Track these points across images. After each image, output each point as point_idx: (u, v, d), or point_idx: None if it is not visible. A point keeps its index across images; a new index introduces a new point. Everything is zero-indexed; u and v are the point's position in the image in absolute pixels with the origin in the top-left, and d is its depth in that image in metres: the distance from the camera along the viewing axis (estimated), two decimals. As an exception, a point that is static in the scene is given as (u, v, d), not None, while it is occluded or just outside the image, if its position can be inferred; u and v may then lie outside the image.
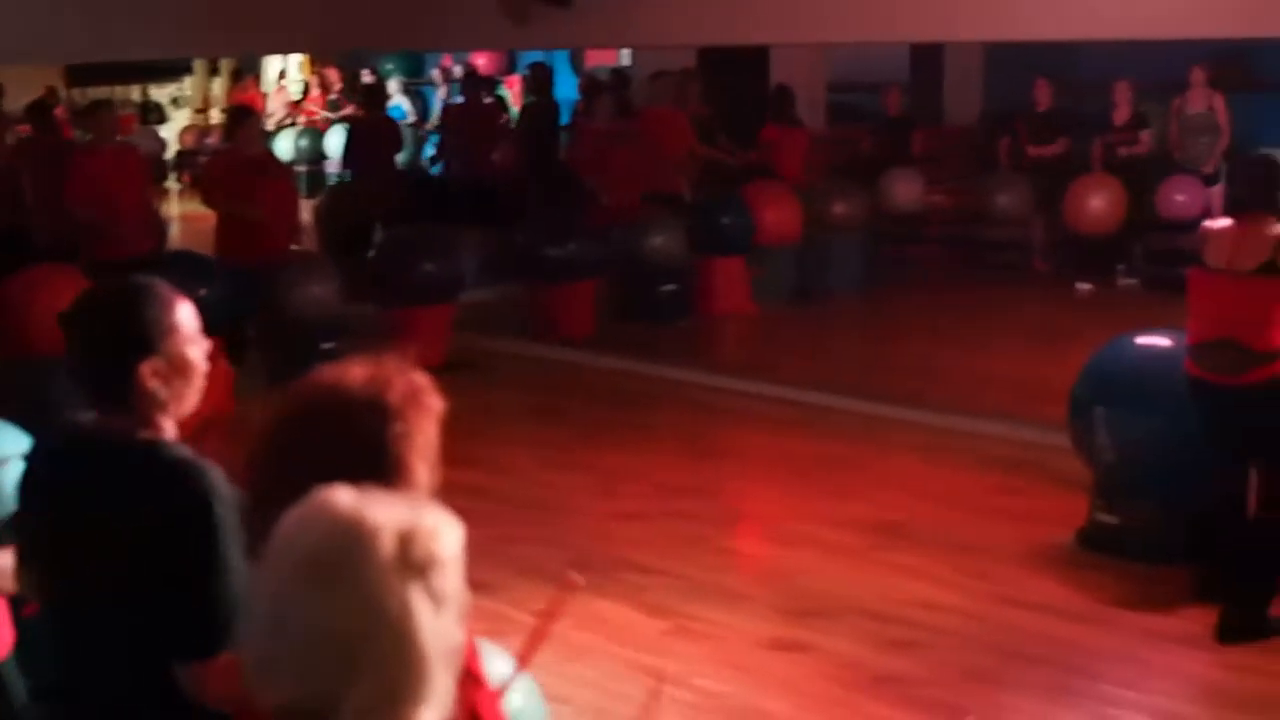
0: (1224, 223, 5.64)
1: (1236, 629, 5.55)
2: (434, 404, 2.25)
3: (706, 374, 10.06)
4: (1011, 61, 13.45)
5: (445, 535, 1.75)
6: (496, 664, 3.48)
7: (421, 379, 2.25)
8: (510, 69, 18.62)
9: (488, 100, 14.97)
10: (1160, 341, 6.45)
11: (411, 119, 18.34)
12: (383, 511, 1.71)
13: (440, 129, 15.99)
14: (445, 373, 2.55)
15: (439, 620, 1.70)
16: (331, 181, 16.79)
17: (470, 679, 2.23)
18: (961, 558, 6.48)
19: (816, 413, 9.01)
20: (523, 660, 2.70)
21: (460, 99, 14.97)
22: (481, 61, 17.92)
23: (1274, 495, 5.59)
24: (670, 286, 11.60)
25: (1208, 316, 5.55)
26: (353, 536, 1.68)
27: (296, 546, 1.71)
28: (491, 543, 6.69)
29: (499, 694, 2.45)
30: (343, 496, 1.73)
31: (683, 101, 12.44)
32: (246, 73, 21.24)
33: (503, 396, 9.88)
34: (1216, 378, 5.50)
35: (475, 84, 14.68)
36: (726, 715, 5.06)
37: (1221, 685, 5.24)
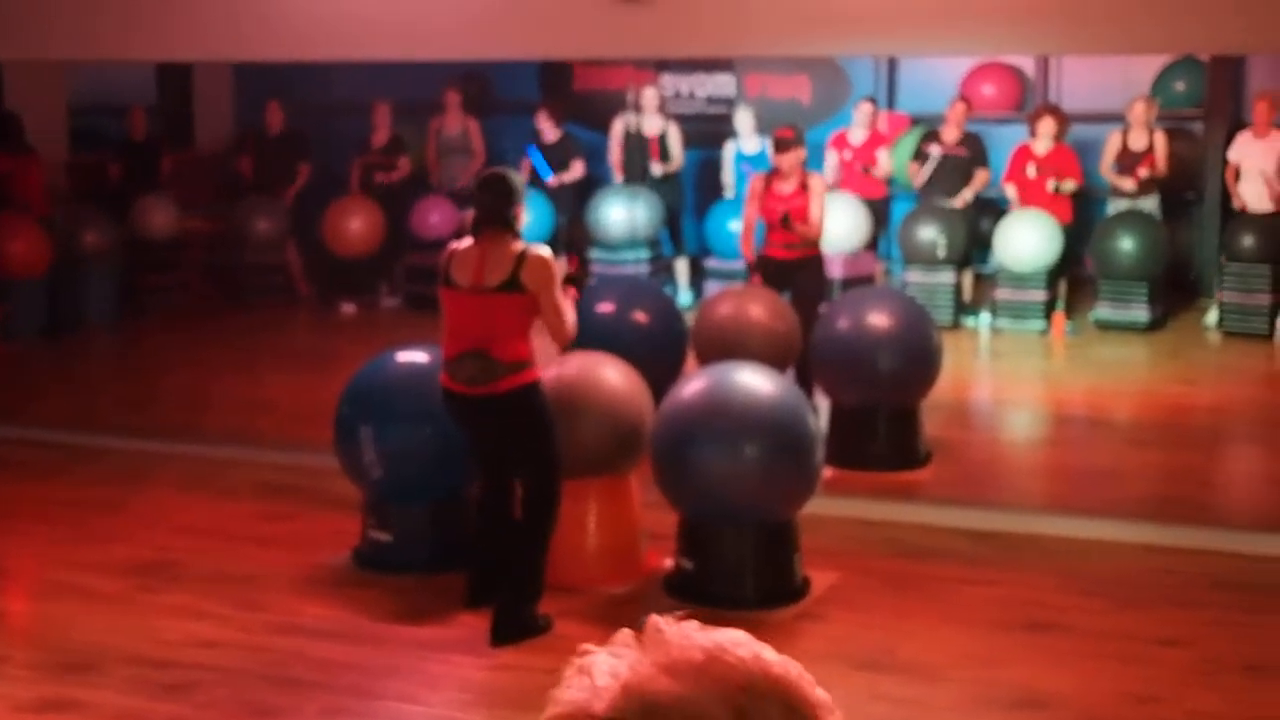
0: (467, 241, 5.76)
1: (507, 631, 5.71)
2: None
3: (-51, 422, 9.26)
4: (260, 84, 13.34)
5: None
6: None
7: None
8: None
9: None
10: (418, 356, 6.56)
11: None
12: None
13: None
14: None
15: None
16: None
17: None
18: (234, 590, 6.29)
19: (76, 454, 8.49)
20: None
21: None
22: None
23: (533, 500, 5.79)
24: (-99, 330, 10.64)
25: (459, 332, 5.66)
26: None
27: None
28: None
29: None
30: None
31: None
32: None
33: None
34: (470, 389, 5.62)
35: None
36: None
37: (494, 686, 5.37)
